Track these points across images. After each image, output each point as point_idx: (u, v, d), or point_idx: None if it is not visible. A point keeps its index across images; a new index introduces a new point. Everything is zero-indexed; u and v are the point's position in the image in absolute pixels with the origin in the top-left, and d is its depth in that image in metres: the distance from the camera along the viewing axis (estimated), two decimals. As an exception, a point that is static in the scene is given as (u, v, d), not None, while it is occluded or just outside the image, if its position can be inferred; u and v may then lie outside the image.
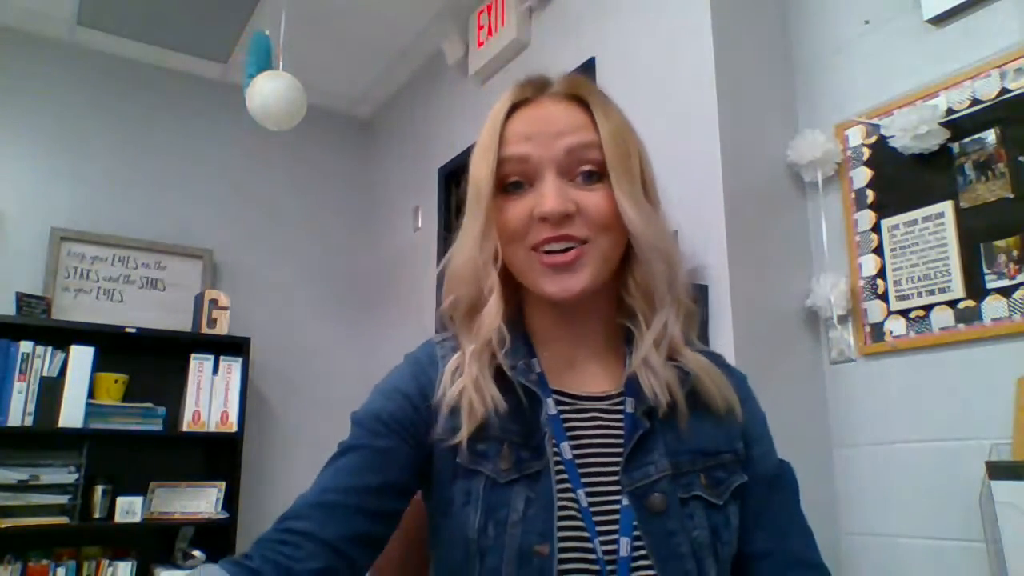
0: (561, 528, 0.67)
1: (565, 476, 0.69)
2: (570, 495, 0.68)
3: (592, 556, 0.66)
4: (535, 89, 0.77)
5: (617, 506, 0.69)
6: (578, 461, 0.70)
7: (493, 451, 0.70)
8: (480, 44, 2.63)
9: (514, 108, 0.76)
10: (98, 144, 3.03)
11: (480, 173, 0.73)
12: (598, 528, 0.67)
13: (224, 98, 3.24)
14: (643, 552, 0.67)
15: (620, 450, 0.71)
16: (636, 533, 0.67)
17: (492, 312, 0.73)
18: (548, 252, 0.71)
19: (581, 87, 0.76)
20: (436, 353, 0.77)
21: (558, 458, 0.70)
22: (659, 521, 0.68)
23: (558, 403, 0.74)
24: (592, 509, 0.68)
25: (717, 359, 0.81)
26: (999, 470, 1.32)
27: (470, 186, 0.75)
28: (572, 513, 0.68)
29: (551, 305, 0.75)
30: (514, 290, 0.77)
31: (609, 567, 0.66)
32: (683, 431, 0.73)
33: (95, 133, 3.03)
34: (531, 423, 0.71)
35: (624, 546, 0.67)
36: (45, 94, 2.96)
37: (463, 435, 0.69)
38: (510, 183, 0.73)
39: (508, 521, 0.67)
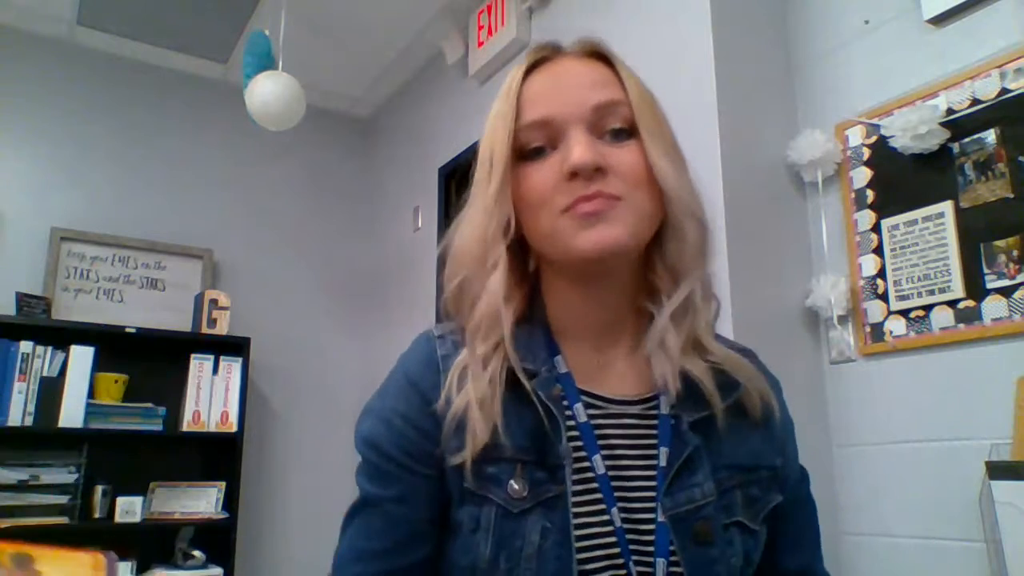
0: (589, 549, 0.62)
1: (599, 496, 0.63)
2: (603, 516, 0.63)
3: None
4: (552, 49, 0.70)
5: (651, 525, 0.63)
6: (611, 474, 0.64)
7: (505, 474, 0.62)
8: (480, 44, 2.63)
9: (530, 71, 0.69)
10: (98, 144, 3.02)
11: (495, 140, 0.66)
12: (631, 547, 0.62)
13: (224, 98, 3.23)
14: (679, 574, 0.62)
15: (654, 462, 0.65)
16: (674, 559, 0.62)
17: (495, 289, 0.65)
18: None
19: (600, 45, 0.70)
20: (436, 353, 0.68)
21: (590, 474, 0.64)
22: (702, 550, 0.63)
23: (588, 406, 0.67)
24: (625, 527, 0.63)
25: (752, 356, 0.75)
26: (999, 470, 1.32)
27: (480, 157, 0.67)
28: (606, 532, 0.62)
29: (575, 284, 0.68)
30: (526, 274, 0.70)
31: None
32: (723, 439, 0.67)
33: (95, 133, 3.02)
34: (550, 438, 0.63)
35: (660, 568, 0.62)
36: (45, 94, 2.95)
37: (467, 457, 0.62)
38: (531, 149, 0.66)
39: (523, 555, 0.61)
